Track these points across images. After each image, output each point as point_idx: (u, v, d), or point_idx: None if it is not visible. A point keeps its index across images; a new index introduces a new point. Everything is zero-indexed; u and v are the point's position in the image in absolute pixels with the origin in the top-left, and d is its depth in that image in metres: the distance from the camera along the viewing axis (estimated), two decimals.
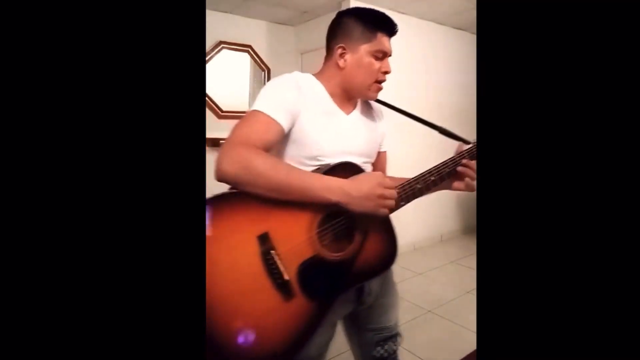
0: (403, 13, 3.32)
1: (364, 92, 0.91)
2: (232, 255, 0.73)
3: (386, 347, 1.01)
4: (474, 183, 0.88)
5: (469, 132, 0.88)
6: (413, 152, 3.18)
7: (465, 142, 0.94)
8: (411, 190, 0.85)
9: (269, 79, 3.52)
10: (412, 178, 0.86)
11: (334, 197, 0.74)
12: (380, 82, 0.90)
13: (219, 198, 0.75)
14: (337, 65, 0.89)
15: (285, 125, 0.80)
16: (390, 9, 3.21)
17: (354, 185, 0.76)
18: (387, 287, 1.02)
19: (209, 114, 3.22)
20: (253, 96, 3.49)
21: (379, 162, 1.04)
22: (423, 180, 0.86)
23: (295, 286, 0.75)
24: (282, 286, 0.74)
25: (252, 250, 0.74)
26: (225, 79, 3.31)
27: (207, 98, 3.18)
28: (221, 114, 3.28)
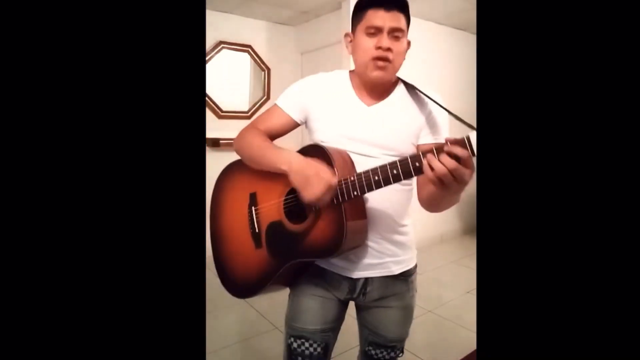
0: None
1: (365, 73, 0.86)
2: (234, 203, 1.00)
3: (377, 351, 1.00)
4: (450, 181, 0.68)
5: (469, 133, 0.79)
6: None
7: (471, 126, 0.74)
8: (366, 180, 0.77)
9: (269, 79, 3.52)
10: (372, 169, 0.76)
11: (282, 165, 0.84)
12: (377, 58, 0.84)
13: (235, 163, 1.03)
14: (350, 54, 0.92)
15: (294, 116, 0.96)
16: None
17: (300, 160, 0.82)
18: (395, 302, 0.98)
19: (209, 114, 3.22)
20: (253, 96, 3.49)
21: None
22: (383, 172, 0.75)
23: (263, 239, 0.93)
24: (254, 236, 0.95)
25: (245, 203, 0.98)
26: (225, 79, 3.31)
27: (207, 98, 3.18)
28: (221, 114, 3.28)
